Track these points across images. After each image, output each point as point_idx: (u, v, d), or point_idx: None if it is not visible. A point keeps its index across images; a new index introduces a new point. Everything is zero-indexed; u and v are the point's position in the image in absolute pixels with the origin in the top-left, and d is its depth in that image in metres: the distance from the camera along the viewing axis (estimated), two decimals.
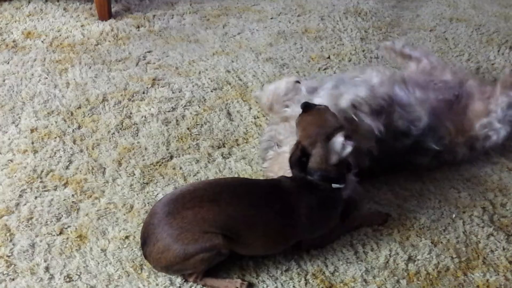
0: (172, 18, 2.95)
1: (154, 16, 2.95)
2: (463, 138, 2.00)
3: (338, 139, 1.56)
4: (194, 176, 1.96)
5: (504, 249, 1.71)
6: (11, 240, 1.68)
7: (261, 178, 1.91)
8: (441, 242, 1.72)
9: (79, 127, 2.16)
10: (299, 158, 1.57)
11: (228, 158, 2.04)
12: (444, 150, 1.96)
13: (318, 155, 1.56)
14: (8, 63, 2.51)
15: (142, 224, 1.73)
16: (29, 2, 2.98)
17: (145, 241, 1.53)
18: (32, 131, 2.12)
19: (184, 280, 1.57)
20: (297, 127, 1.64)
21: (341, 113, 1.74)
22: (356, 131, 1.74)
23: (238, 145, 2.11)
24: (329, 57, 2.71)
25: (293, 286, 1.57)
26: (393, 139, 1.87)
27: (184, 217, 1.48)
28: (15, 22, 2.82)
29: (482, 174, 2.02)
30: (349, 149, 1.56)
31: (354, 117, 1.78)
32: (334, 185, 1.57)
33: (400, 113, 1.89)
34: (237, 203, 1.53)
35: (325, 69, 2.61)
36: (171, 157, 2.04)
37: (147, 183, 1.92)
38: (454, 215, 1.83)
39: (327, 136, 1.56)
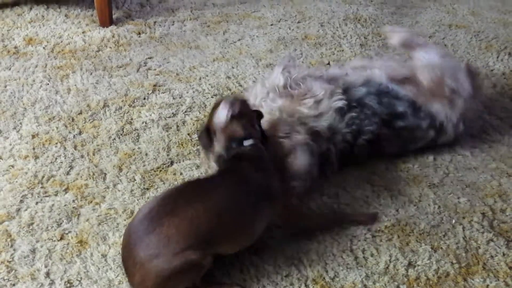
0: (173, 24, 2.96)
1: (155, 22, 2.97)
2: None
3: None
4: None
5: (504, 254, 1.71)
6: (11, 246, 1.68)
7: None
8: (441, 248, 1.73)
9: (80, 133, 2.17)
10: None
11: None
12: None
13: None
14: (10, 69, 2.52)
15: None
16: (30, 9, 2.99)
17: (127, 267, 1.49)
18: (33, 136, 2.13)
19: None
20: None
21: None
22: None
23: None
24: (328, 63, 2.72)
25: None
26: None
27: (158, 234, 1.44)
28: (17, 28, 2.83)
29: (482, 180, 2.02)
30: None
31: None
32: (245, 142, 1.67)
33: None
34: (200, 207, 1.50)
35: None
36: (172, 163, 2.04)
37: (147, 189, 1.92)
38: (453, 221, 1.84)
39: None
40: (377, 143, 2.02)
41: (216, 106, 1.77)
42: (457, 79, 2.09)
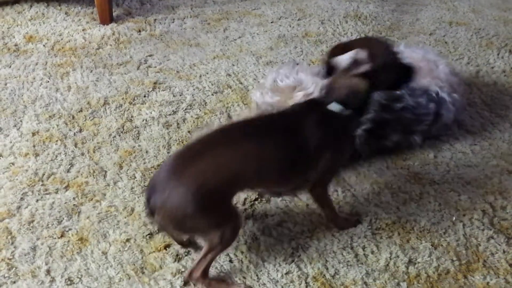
0: (173, 22, 2.96)
1: (155, 20, 2.96)
2: None
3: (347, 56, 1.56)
4: None
5: (504, 251, 1.71)
6: (12, 243, 1.69)
7: None
8: (441, 245, 1.73)
9: (80, 131, 2.17)
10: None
11: None
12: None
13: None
14: (10, 67, 2.52)
15: (142, 227, 1.74)
16: (31, 6, 2.99)
17: (155, 189, 1.46)
18: (33, 134, 2.13)
19: (185, 284, 1.57)
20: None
21: None
22: None
23: None
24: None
25: None
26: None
27: (198, 166, 1.45)
28: (17, 26, 2.83)
29: (482, 176, 2.02)
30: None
31: None
32: (334, 105, 1.56)
33: None
34: (248, 142, 1.52)
35: None
36: None
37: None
38: (454, 218, 1.84)
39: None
40: (379, 131, 2.01)
41: (351, 46, 1.60)
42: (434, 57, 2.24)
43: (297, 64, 2.14)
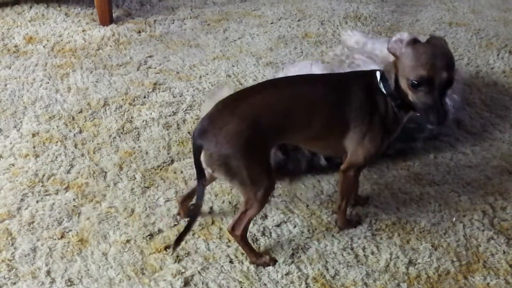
0: (173, 23, 2.96)
1: (155, 21, 2.96)
2: None
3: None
4: (194, 180, 1.96)
5: (504, 252, 1.71)
6: (12, 244, 1.69)
7: None
8: (442, 246, 1.73)
9: (80, 132, 2.17)
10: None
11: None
12: None
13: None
14: (10, 68, 2.52)
15: (142, 228, 1.74)
16: (30, 7, 2.99)
17: (204, 129, 1.49)
18: (33, 135, 2.13)
19: (185, 284, 1.57)
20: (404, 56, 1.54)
21: None
22: None
23: None
24: (329, 62, 2.71)
25: None
26: None
27: (246, 107, 1.51)
28: (17, 27, 2.83)
29: (482, 177, 2.02)
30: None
31: None
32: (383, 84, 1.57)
33: None
34: (298, 88, 1.59)
35: None
36: (172, 161, 2.04)
37: (148, 187, 1.92)
38: (454, 219, 1.84)
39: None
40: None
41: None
42: None
43: (311, 63, 2.16)
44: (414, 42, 1.51)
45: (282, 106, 1.55)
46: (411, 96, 1.51)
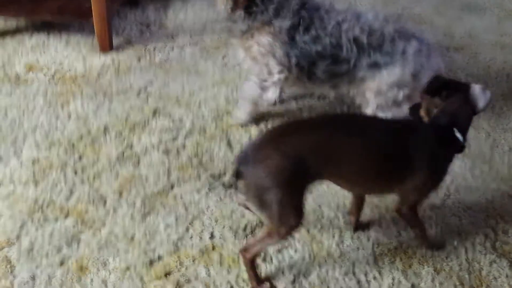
0: (173, 50, 2.99)
1: (155, 48, 2.99)
2: None
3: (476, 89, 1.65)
4: (195, 205, 1.96)
5: (507, 276, 1.70)
6: (11, 272, 1.67)
7: None
8: (444, 270, 1.71)
9: (80, 158, 2.17)
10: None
11: (229, 187, 2.05)
12: None
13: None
14: (11, 96, 2.53)
15: (142, 255, 1.73)
16: (31, 36, 3.02)
17: (247, 157, 1.51)
18: (33, 162, 2.13)
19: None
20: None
21: None
22: None
23: None
24: None
25: None
26: None
27: (292, 141, 1.51)
28: (18, 55, 2.85)
29: (483, 201, 2.02)
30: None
31: None
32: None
33: None
34: (349, 130, 1.57)
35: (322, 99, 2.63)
36: (172, 187, 2.04)
37: (148, 213, 1.92)
38: (456, 243, 1.83)
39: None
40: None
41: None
42: None
43: None
44: None
45: (334, 150, 1.53)
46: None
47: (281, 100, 2.54)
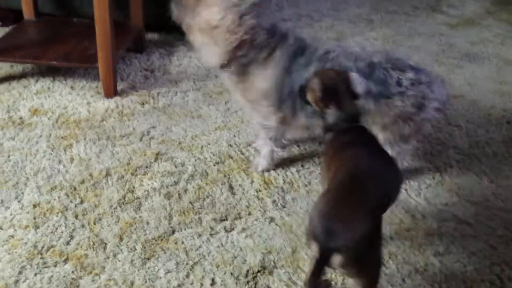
0: (176, 95, 3.03)
1: (158, 93, 3.03)
2: None
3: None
4: (196, 250, 1.94)
5: None
6: None
7: (262, 244, 1.88)
8: None
9: (81, 202, 2.16)
10: None
11: (230, 231, 2.03)
12: None
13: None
14: (14, 139, 2.55)
15: None
16: (37, 81, 3.07)
17: (333, 229, 1.42)
18: (34, 206, 2.12)
19: None
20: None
21: None
22: None
23: (240, 218, 2.10)
24: None
25: None
26: None
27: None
28: (23, 100, 2.89)
29: (487, 247, 2.00)
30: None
31: None
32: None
33: None
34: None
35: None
36: (173, 232, 2.02)
37: (148, 259, 1.89)
38: None
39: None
40: None
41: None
42: None
43: None
44: None
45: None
46: None
47: (283, 146, 2.55)
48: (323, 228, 1.42)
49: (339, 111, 1.73)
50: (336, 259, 1.39)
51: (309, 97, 1.81)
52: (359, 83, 1.74)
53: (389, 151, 2.14)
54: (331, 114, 1.75)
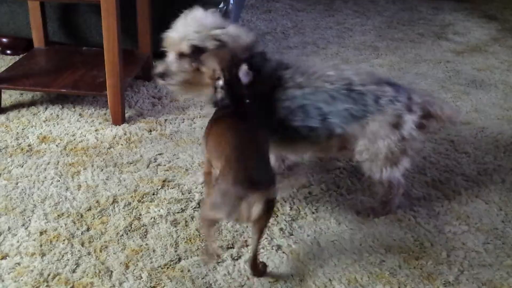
0: (183, 122, 3.04)
1: (165, 120, 3.05)
2: None
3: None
4: (202, 279, 1.92)
5: None
6: None
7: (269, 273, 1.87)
8: None
9: (88, 229, 2.16)
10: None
11: (237, 259, 2.02)
12: None
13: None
14: (22, 166, 2.56)
15: None
16: (46, 108, 3.10)
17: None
18: (41, 233, 2.12)
19: None
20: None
21: None
22: None
23: (247, 246, 2.08)
24: None
25: None
26: None
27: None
28: (32, 127, 2.92)
29: (498, 277, 1.97)
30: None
31: None
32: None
33: None
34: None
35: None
36: (179, 259, 2.01)
37: (154, 287, 1.88)
38: None
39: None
40: None
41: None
42: None
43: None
44: None
45: None
46: None
47: (289, 168, 2.55)
48: (249, 188, 1.63)
49: (226, 86, 1.95)
50: (256, 209, 1.61)
51: (208, 65, 2.01)
52: (244, 74, 1.94)
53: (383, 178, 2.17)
54: (219, 92, 1.97)
